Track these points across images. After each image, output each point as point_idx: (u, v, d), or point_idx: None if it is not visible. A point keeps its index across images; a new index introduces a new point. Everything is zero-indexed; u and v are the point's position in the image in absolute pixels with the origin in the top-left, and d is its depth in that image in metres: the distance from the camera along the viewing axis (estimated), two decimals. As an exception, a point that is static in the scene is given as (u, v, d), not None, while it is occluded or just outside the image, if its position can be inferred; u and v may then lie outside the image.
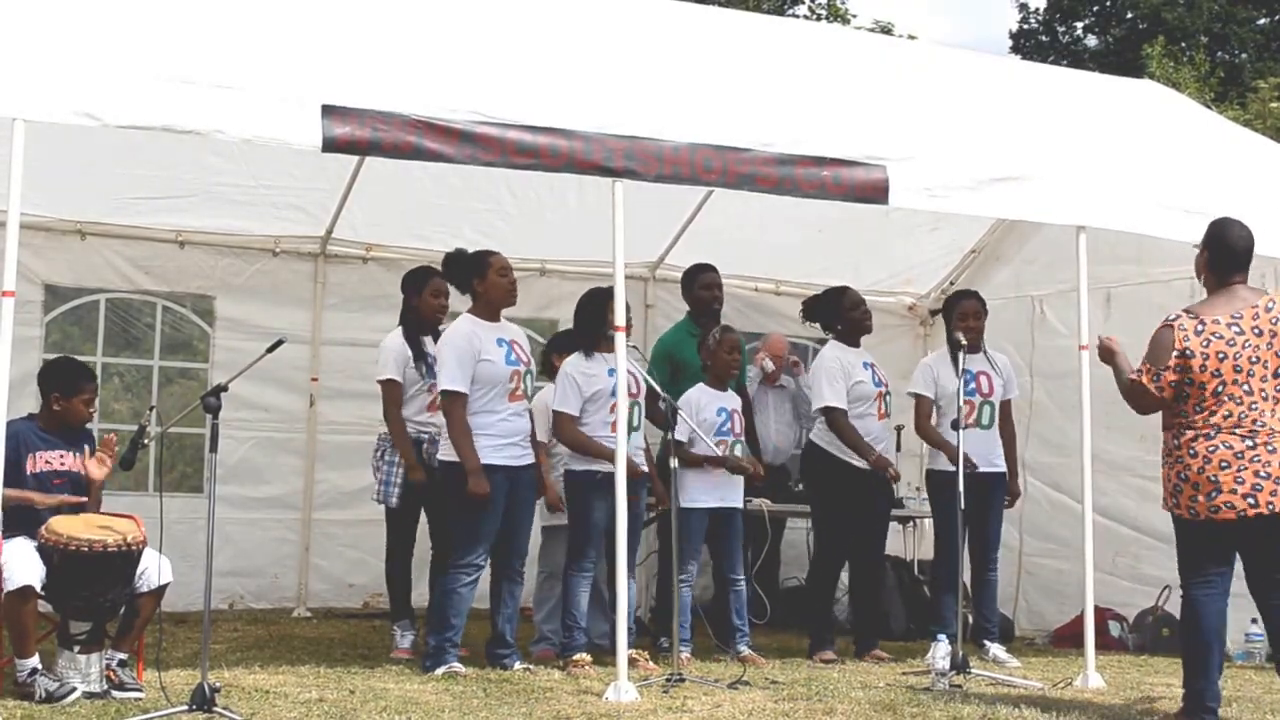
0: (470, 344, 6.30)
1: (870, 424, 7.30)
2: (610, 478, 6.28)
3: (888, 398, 7.42)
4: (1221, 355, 5.28)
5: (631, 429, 6.60)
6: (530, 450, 6.49)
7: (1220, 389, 5.28)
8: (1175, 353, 5.30)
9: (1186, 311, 5.41)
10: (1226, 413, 5.27)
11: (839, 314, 7.46)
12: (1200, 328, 5.32)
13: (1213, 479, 5.24)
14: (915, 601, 8.62)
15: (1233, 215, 6.74)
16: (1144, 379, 5.35)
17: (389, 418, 6.96)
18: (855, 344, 7.44)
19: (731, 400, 7.16)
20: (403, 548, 7.13)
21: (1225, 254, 5.45)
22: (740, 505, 7.15)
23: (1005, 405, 7.64)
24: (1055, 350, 8.70)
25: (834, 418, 7.26)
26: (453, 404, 6.28)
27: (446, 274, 6.72)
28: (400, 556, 7.15)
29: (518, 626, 6.58)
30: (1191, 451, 5.28)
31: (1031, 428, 8.73)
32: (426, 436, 6.87)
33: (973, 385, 7.35)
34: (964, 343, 7.17)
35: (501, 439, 6.31)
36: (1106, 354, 5.64)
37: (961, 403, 6.93)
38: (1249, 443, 5.23)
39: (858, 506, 7.30)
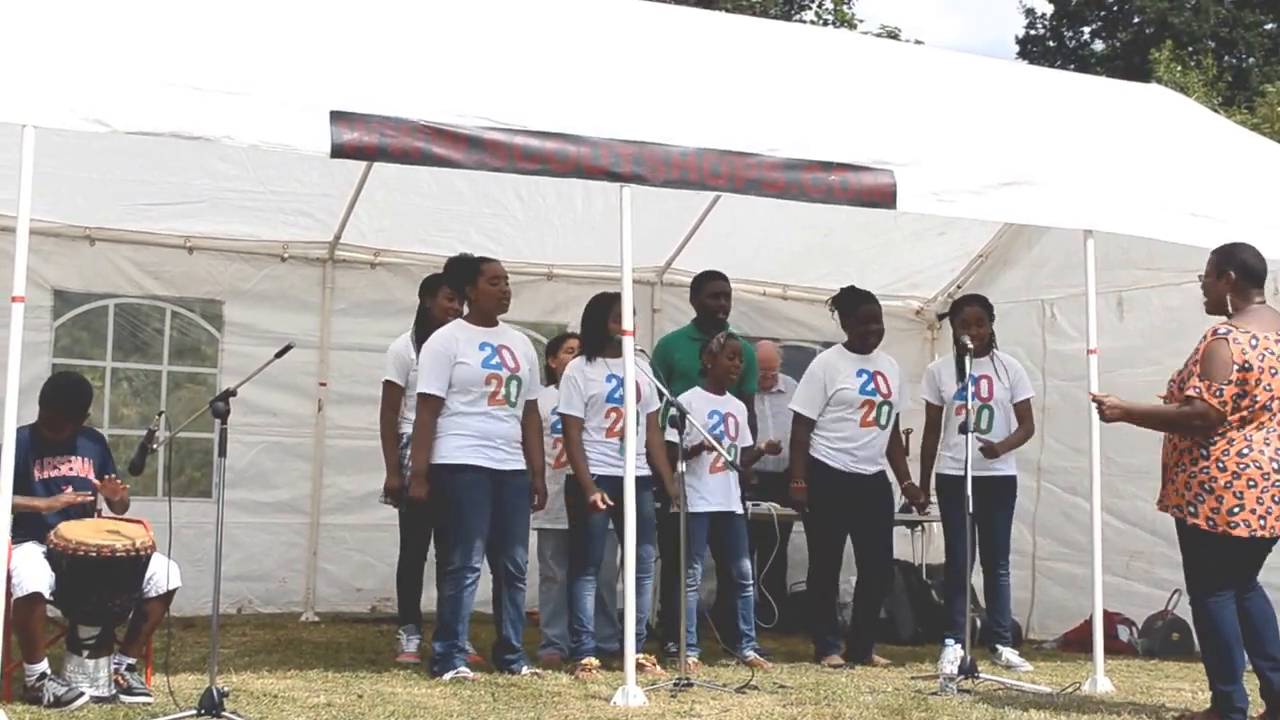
0: (446, 348, 6.36)
1: (850, 429, 7.25)
2: (605, 481, 6.33)
3: (883, 408, 7.30)
4: (1275, 370, 5.32)
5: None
6: (519, 454, 6.47)
7: (1271, 403, 5.31)
8: (1237, 366, 5.28)
9: (1234, 326, 5.39)
10: (1263, 426, 5.30)
11: (851, 321, 7.45)
12: (1255, 342, 5.34)
13: (1238, 495, 5.26)
14: (923, 606, 8.60)
15: (1240, 219, 6.77)
16: (1206, 395, 5.27)
17: (381, 418, 7.08)
18: (864, 351, 7.43)
19: (727, 404, 7.14)
20: (414, 552, 7.15)
21: (1251, 275, 5.51)
22: (738, 509, 7.13)
23: (1021, 407, 7.61)
24: (1068, 354, 8.67)
25: (795, 423, 7.32)
26: (421, 406, 6.39)
27: (446, 278, 6.77)
28: (411, 561, 7.16)
29: (524, 630, 6.59)
30: (1221, 465, 5.28)
31: (1045, 431, 8.71)
32: None
33: (970, 390, 7.30)
34: (971, 347, 7.15)
35: (478, 439, 6.32)
36: (1117, 413, 5.56)
37: (966, 406, 6.94)
38: (1276, 464, 5.28)
39: (847, 510, 7.26)
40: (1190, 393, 5.31)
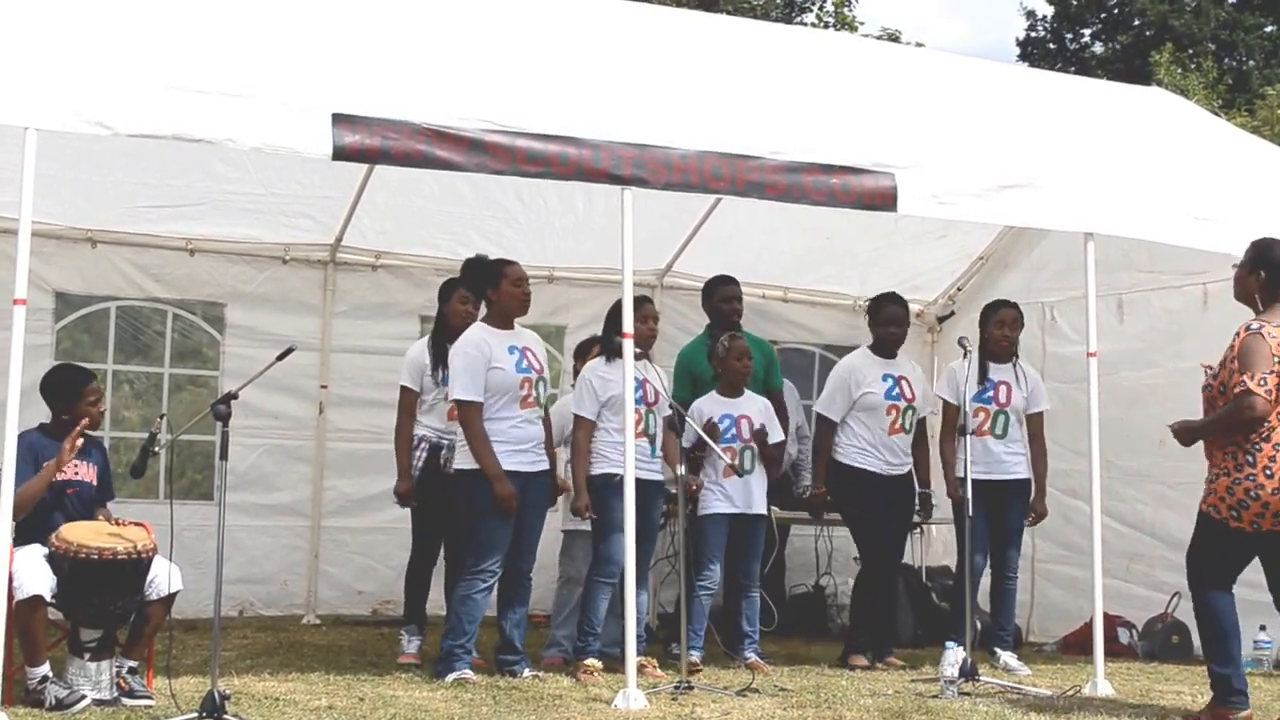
0: (480, 352, 6.32)
1: (879, 435, 7.29)
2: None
3: (909, 412, 7.35)
4: None
5: (650, 437, 6.60)
6: (544, 456, 6.49)
7: None
8: (1277, 358, 5.29)
9: (1266, 321, 5.40)
10: None
11: (873, 322, 7.50)
12: None
13: None
14: (923, 608, 8.60)
15: (1240, 221, 6.77)
16: (1252, 386, 5.26)
17: (397, 423, 7.07)
18: (889, 355, 7.44)
19: (741, 406, 7.09)
20: (425, 554, 7.13)
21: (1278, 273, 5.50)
22: (764, 511, 7.10)
23: (1035, 419, 7.59)
24: (1068, 357, 8.66)
25: (817, 425, 7.32)
26: (468, 413, 6.29)
27: (464, 280, 6.76)
28: (421, 562, 7.15)
29: (526, 633, 6.59)
30: (1269, 472, 5.29)
31: (1045, 434, 8.71)
32: (447, 443, 6.87)
33: (990, 394, 7.33)
34: (968, 350, 7.15)
35: (514, 445, 6.32)
36: (1188, 434, 5.56)
37: (969, 409, 6.94)
38: None
39: (887, 511, 7.29)
40: (1237, 389, 5.30)
